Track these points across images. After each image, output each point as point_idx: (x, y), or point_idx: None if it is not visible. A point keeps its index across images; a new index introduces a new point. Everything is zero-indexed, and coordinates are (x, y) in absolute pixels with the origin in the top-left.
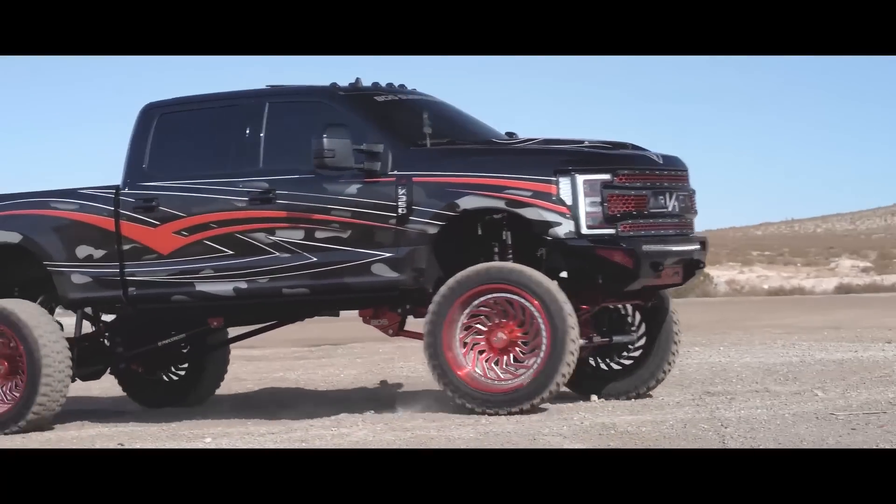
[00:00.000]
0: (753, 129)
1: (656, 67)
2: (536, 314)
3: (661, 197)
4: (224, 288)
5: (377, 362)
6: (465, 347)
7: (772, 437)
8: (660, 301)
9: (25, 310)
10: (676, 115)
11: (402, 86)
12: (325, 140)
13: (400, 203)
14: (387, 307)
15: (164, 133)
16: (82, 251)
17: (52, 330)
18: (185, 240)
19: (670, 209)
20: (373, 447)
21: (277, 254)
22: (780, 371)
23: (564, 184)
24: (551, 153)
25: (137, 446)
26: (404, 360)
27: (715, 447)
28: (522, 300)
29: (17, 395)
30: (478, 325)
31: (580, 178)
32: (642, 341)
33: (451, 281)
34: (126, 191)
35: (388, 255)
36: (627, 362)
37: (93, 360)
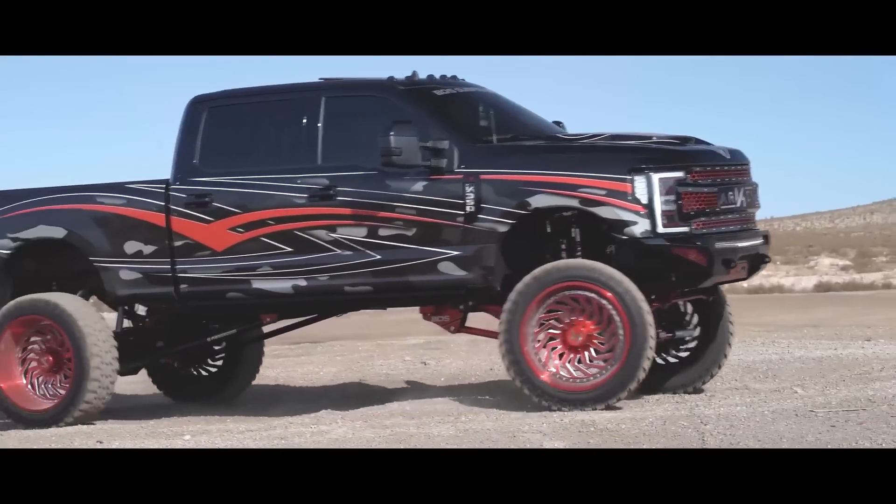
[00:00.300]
0: (733, 128)
1: (633, 67)
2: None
3: (731, 192)
4: (282, 285)
5: (356, 360)
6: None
7: (751, 434)
8: (717, 295)
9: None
10: (652, 114)
11: (454, 77)
12: (392, 138)
13: (468, 201)
14: (448, 304)
15: (215, 127)
16: (131, 247)
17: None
18: (240, 236)
19: (738, 204)
20: (352, 444)
21: (339, 251)
22: (760, 368)
23: (639, 182)
24: (625, 151)
25: (116, 444)
26: (384, 358)
27: (694, 444)
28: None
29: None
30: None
31: (655, 177)
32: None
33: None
34: (177, 186)
35: (456, 253)
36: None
37: (136, 356)
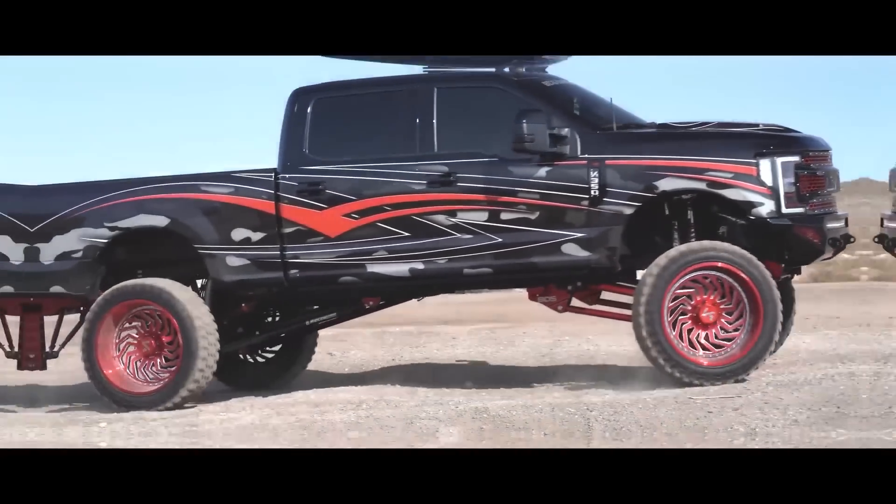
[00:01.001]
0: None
1: (634, 67)
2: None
3: (830, 176)
4: (399, 269)
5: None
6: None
7: (634, 419)
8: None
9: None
10: (652, 114)
11: (543, 69)
12: (525, 125)
13: (592, 185)
14: (554, 284)
15: (323, 117)
16: (238, 234)
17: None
18: (355, 222)
19: (833, 188)
20: (260, 431)
21: (458, 235)
22: (644, 358)
23: (765, 165)
24: (749, 136)
25: (35, 432)
26: None
27: (581, 430)
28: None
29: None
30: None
31: (779, 160)
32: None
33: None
34: (287, 174)
35: (580, 235)
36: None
37: (232, 340)
